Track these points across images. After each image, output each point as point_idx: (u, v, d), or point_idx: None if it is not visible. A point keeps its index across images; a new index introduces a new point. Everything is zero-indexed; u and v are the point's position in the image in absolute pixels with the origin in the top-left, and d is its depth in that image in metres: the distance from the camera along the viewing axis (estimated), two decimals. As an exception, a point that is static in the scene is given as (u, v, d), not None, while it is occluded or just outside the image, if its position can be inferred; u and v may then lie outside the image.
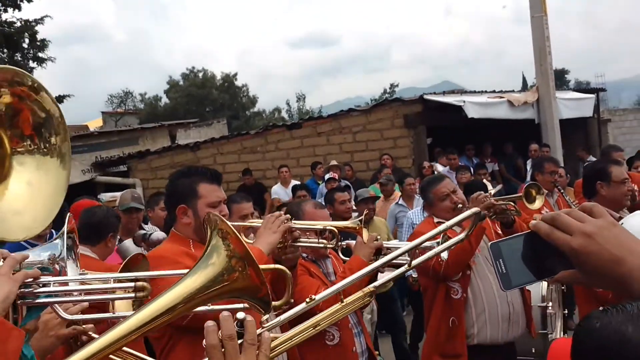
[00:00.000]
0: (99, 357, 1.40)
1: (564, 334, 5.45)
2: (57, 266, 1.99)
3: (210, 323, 1.33)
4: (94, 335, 2.17)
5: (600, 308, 1.44)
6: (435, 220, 4.43)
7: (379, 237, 3.56)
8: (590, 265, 1.13)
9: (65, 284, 1.85)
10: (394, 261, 3.67)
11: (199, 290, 1.51)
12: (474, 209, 2.30)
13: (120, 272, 2.29)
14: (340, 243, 3.32)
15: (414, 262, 1.99)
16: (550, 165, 6.88)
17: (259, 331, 1.43)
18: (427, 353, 4.41)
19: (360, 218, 3.47)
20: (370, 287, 1.80)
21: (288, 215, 3.13)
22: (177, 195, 3.11)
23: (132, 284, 1.91)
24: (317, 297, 1.66)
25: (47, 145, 2.03)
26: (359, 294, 1.77)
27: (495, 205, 4.28)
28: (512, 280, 1.22)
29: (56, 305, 1.90)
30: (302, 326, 1.62)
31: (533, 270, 1.21)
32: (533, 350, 4.94)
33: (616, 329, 1.32)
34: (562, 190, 6.74)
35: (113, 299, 1.98)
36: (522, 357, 4.85)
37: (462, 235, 2.25)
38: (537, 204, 4.65)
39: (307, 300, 1.65)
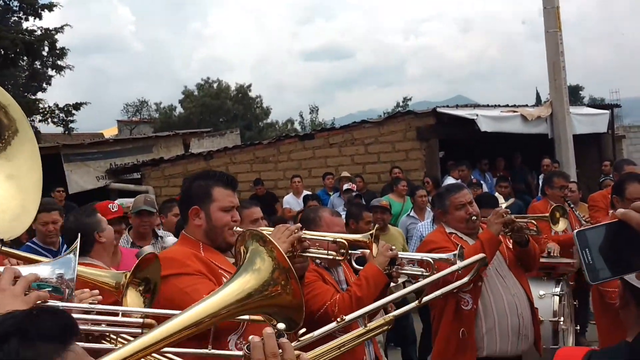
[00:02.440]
0: (145, 354, 1.41)
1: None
2: (65, 287, 2.00)
3: (256, 339, 1.34)
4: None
5: None
6: (447, 230, 4.42)
7: (393, 247, 3.56)
8: None
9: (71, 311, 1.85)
10: (412, 272, 3.69)
11: (246, 297, 1.51)
12: (481, 255, 2.32)
13: (133, 273, 2.31)
14: (353, 252, 3.32)
15: (424, 299, 1.98)
16: (560, 180, 6.88)
17: (294, 344, 1.47)
18: None
19: (371, 232, 3.47)
20: (391, 315, 1.79)
21: (299, 225, 3.14)
22: (191, 196, 3.11)
23: (140, 320, 1.91)
24: (347, 318, 1.67)
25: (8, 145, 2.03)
26: (380, 320, 1.77)
27: (514, 222, 4.27)
28: (600, 272, 1.15)
29: None
30: (329, 346, 1.62)
31: (611, 264, 1.15)
32: (543, 366, 4.91)
33: None
34: (572, 205, 6.73)
35: (118, 333, 1.95)
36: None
37: (465, 280, 2.28)
38: (561, 225, 4.63)
39: (338, 320, 1.66)
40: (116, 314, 1.96)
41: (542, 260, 5.54)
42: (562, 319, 5.24)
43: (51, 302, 1.79)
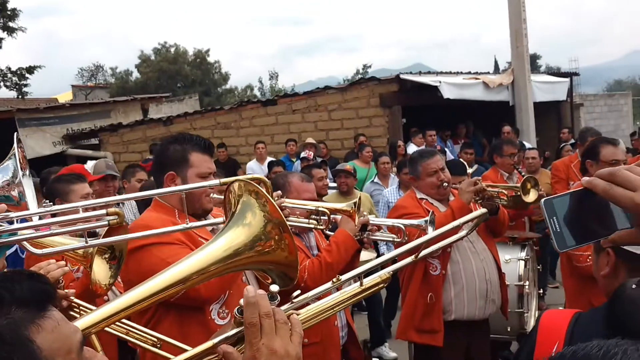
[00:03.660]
0: (115, 319, 1.36)
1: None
2: (15, 192, 1.91)
3: (250, 298, 1.27)
4: (75, 299, 2.10)
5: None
6: (418, 195, 4.42)
7: (365, 213, 3.53)
8: None
9: (31, 218, 1.77)
10: (383, 238, 3.67)
11: (235, 253, 1.44)
12: (483, 210, 2.30)
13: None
14: (323, 218, 3.27)
15: (422, 253, 1.94)
16: (509, 147, 6.89)
17: (286, 307, 1.41)
18: (403, 328, 4.42)
19: (354, 201, 3.44)
20: (387, 271, 1.74)
21: (279, 192, 3.07)
22: (166, 161, 2.97)
23: (103, 211, 1.84)
24: (343, 277, 1.62)
25: None
26: (376, 278, 1.72)
27: (485, 191, 4.29)
28: (567, 240, 1.14)
29: (25, 242, 1.82)
30: (321, 306, 1.56)
31: (576, 232, 1.14)
32: (508, 329, 5.01)
33: None
34: (522, 173, 6.76)
35: (85, 229, 1.86)
36: (496, 336, 4.91)
37: (463, 233, 2.26)
38: (532, 196, 4.66)
39: (334, 280, 1.61)
40: (76, 211, 1.86)
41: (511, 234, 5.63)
42: (527, 283, 5.33)
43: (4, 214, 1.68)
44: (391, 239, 3.64)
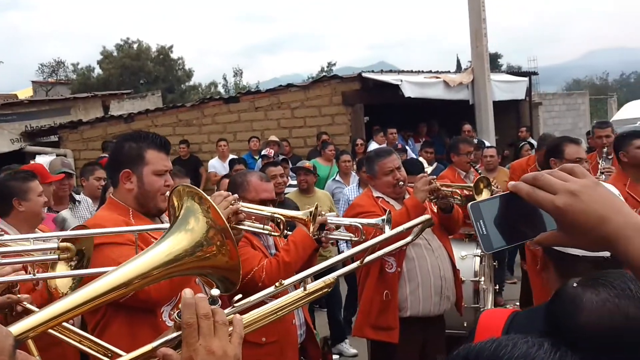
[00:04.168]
0: (54, 324, 1.34)
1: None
2: None
3: (188, 299, 1.29)
4: (29, 306, 2.08)
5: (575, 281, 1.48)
6: (375, 194, 4.48)
7: (323, 212, 3.56)
8: (575, 224, 1.10)
9: None
10: (341, 237, 3.70)
11: (176, 258, 1.44)
12: (427, 216, 2.34)
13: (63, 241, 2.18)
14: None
15: (367, 259, 1.96)
16: (465, 146, 6.96)
17: (228, 310, 1.42)
18: (359, 325, 4.49)
19: (310, 210, 3.45)
20: (332, 277, 1.77)
21: (236, 195, 3.07)
22: (122, 158, 2.95)
23: (54, 245, 1.83)
24: (285, 282, 1.64)
25: None
26: (320, 283, 1.73)
27: (439, 190, 4.36)
28: (493, 242, 1.18)
29: None
30: (264, 310, 1.57)
31: (505, 234, 1.18)
32: (465, 324, 5.10)
33: (618, 307, 1.37)
34: (479, 171, 6.86)
35: (34, 262, 1.86)
36: (452, 331, 5.00)
37: (408, 239, 2.30)
38: (485, 196, 4.75)
39: (277, 285, 1.62)
40: (28, 242, 1.86)
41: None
42: (482, 278, 5.44)
43: None
44: (349, 238, 3.68)
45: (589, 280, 1.45)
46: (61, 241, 1.84)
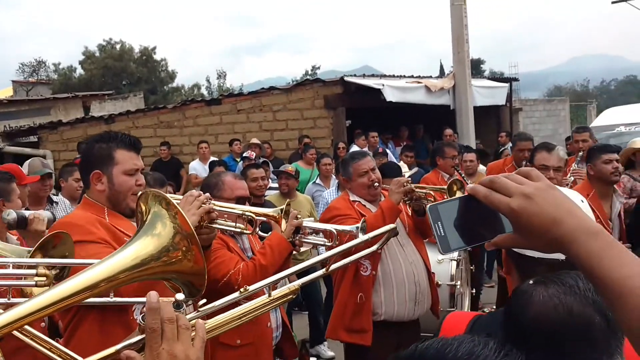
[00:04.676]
0: (20, 324, 1.33)
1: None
2: None
3: (152, 304, 1.28)
4: None
5: (531, 280, 1.51)
6: (351, 197, 4.50)
7: (299, 215, 3.58)
8: (529, 226, 1.12)
9: None
10: (315, 242, 3.71)
11: (142, 262, 1.45)
12: (391, 226, 2.37)
13: (37, 248, 2.14)
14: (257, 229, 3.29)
15: (332, 267, 1.97)
16: (450, 149, 7.09)
17: (192, 315, 1.43)
18: (333, 328, 4.50)
19: (281, 207, 3.47)
20: (296, 284, 1.78)
21: (208, 195, 3.08)
22: (92, 160, 2.96)
23: (33, 271, 1.81)
24: (250, 288, 1.64)
25: None
26: (285, 289, 1.74)
27: (414, 191, 4.40)
28: (450, 243, 1.20)
29: None
30: (230, 315, 1.58)
31: (464, 235, 1.20)
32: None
33: (563, 302, 1.40)
34: (463, 175, 6.95)
35: (10, 287, 1.83)
36: (428, 334, 5.02)
37: (374, 247, 2.33)
38: None
39: (241, 290, 1.63)
40: (5, 267, 1.84)
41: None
42: (459, 282, 5.48)
43: None
44: (322, 243, 3.69)
45: (543, 278, 1.48)
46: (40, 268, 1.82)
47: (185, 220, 1.49)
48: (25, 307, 1.33)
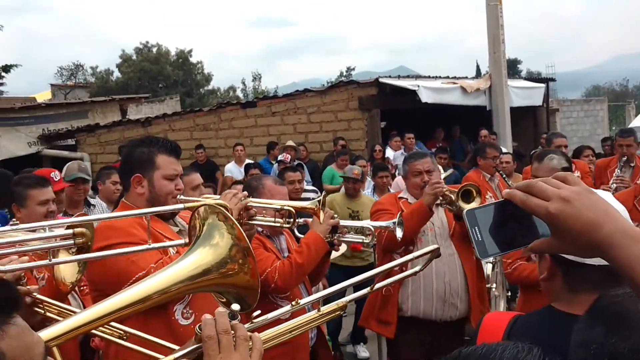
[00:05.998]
0: (79, 332, 1.37)
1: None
2: None
3: (208, 316, 1.32)
4: (38, 296, 2.11)
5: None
6: (400, 195, 4.60)
7: (335, 215, 3.59)
8: (568, 230, 1.10)
9: None
10: (353, 240, 3.74)
11: (204, 272, 1.46)
12: (434, 246, 2.37)
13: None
14: (297, 221, 3.33)
15: (376, 286, 1.98)
16: (492, 150, 7.06)
17: (247, 326, 1.44)
18: (365, 317, 4.63)
19: (318, 199, 3.49)
20: (345, 300, 1.78)
21: (245, 193, 3.11)
22: (133, 163, 3.01)
23: (70, 231, 1.85)
24: (302, 301, 1.65)
25: None
26: (333, 305, 1.75)
27: (445, 194, 4.37)
28: (487, 249, 1.19)
29: None
30: (280, 329, 1.60)
31: (500, 241, 1.19)
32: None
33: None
34: (504, 175, 6.90)
35: (50, 248, 1.88)
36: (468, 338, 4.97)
37: (417, 269, 2.33)
38: (474, 204, 4.71)
39: (293, 303, 1.64)
40: (42, 230, 1.88)
41: None
42: (494, 285, 5.39)
43: None
44: (361, 241, 3.70)
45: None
46: (69, 227, 1.86)
47: (242, 232, 1.48)
48: (84, 315, 1.37)
